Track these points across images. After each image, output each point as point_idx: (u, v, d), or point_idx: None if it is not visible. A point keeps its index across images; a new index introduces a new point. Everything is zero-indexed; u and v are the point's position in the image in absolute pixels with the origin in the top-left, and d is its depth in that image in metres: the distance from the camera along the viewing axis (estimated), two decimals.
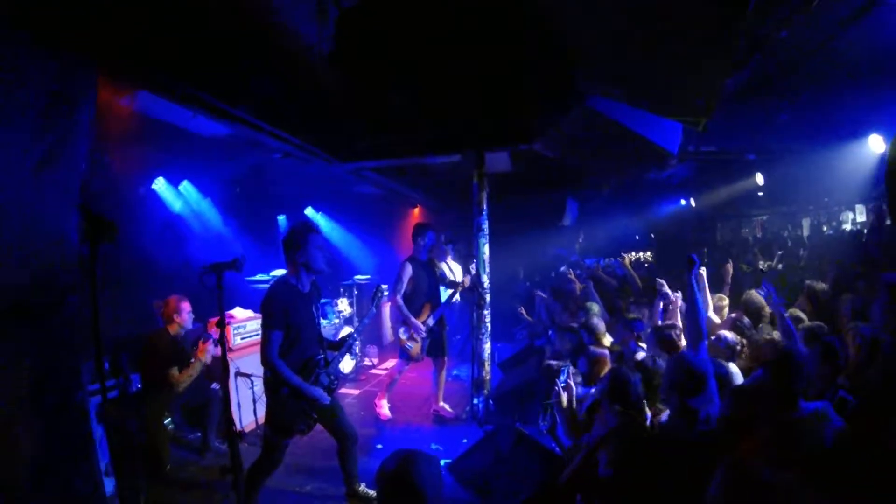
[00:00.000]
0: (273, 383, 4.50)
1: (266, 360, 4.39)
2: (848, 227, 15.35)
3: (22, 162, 2.31)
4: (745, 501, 2.13)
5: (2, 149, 2.26)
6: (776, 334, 5.02)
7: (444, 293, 7.76)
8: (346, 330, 9.54)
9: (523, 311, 10.89)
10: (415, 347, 7.38)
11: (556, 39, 4.96)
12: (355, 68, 5.31)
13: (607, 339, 6.30)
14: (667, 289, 6.05)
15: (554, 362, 6.14)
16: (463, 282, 7.50)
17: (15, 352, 1.94)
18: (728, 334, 4.92)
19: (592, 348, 5.84)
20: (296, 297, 4.54)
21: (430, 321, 7.41)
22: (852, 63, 6.17)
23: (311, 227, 4.66)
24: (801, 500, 2.18)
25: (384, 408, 7.71)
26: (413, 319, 7.28)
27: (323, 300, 7.99)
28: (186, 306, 6.21)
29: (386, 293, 6.84)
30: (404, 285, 7.24)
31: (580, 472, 3.87)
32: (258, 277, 8.47)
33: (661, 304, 6.03)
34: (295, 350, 4.54)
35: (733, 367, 4.57)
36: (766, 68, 6.18)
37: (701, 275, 5.10)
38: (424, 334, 7.35)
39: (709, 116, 4.79)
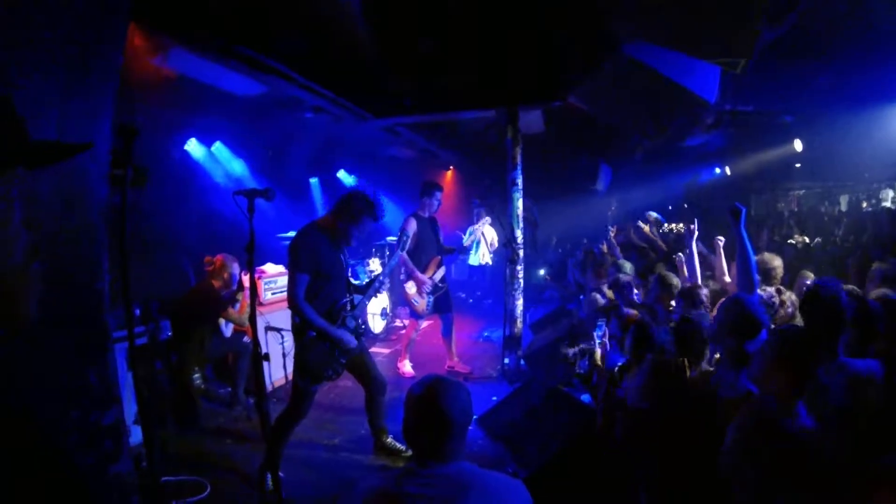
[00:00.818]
0: (300, 327, 4.55)
1: (292, 302, 4.44)
2: (888, 204, 14.92)
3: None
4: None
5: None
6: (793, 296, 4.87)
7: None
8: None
9: (548, 277, 10.85)
10: (421, 303, 7.42)
11: None
12: (388, 15, 5.24)
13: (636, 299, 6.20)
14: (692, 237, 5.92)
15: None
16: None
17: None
18: (764, 292, 4.79)
19: (625, 308, 5.78)
20: (323, 242, 4.57)
21: (437, 276, 7.45)
22: (885, 25, 5.95)
23: (374, 209, 4.65)
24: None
25: (407, 366, 7.77)
26: (418, 274, 7.32)
27: (352, 261, 8.05)
28: (235, 267, 6.31)
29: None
30: (409, 240, 7.18)
31: (609, 406, 3.86)
32: (290, 234, 8.50)
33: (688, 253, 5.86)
34: (322, 294, 4.56)
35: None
36: (806, 24, 5.98)
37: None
38: (430, 289, 7.35)
39: (748, 55, 4.65)
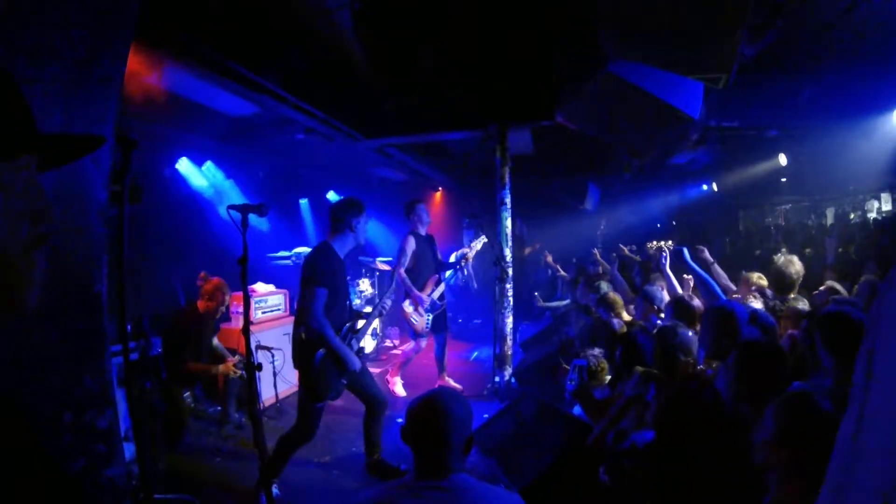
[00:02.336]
0: (308, 344, 4.53)
1: (312, 317, 4.43)
2: (873, 215, 15.09)
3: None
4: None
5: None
6: (801, 304, 4.93)
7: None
8: (368, 309, 9.60)
9: (539, 298, 10.88)
10: (420, 321, 7.40)
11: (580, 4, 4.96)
12: (379, 35, 5.32)
13: (626, 315, 6.23)
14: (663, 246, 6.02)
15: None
16: (466, 254, 7.54)
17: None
18: (757, 304, 4.87)
19: (616, 320, 5.82)
20: (336, 260, 4.67)
21: (436, 295, 7.42)
22: (875, 32, 6.08)
23: (361, 206, 4.79)
24: None
25: (397, 385, 7.72)
26: (417, 292, 7.29)
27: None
28: (224, 296, 6.32)
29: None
30: (408, 258, 7.24)
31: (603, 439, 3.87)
32: (281, 254, 8.53)
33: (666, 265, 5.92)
34: (332, 312, 4.58)
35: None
36: (787, 40, 6.10)
37: (701, 258, 5.21)
38: (430, 308, 7.35)
39: (728, 71, 4.76)
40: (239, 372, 6.24)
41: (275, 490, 4.62)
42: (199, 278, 6.34)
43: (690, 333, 3.98)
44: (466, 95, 6.94)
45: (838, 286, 5.53)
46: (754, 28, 4.97)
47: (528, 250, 9.08)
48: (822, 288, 5.52)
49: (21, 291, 0.84)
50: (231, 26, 4.90)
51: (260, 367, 3.84)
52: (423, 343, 7.73)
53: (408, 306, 7.39)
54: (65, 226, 2.23)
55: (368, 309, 8.12)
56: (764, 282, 6.18)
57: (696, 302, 5.00)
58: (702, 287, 4.53)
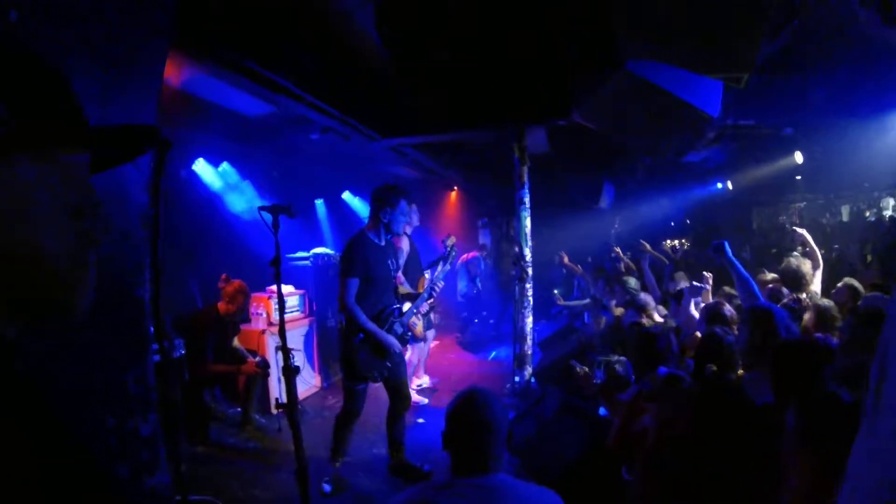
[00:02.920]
0: (347, 330, 4.78)
1: (344, 305, 4.67)
2: (889, 212, 14.96)
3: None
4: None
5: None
6: (825, 301, 4.88)
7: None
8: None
9: (558, 297, 10.84)
10: (418, 325, 7.33)
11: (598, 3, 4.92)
12: (399, 33, 5.30)
13: (657, 316, 6.16)
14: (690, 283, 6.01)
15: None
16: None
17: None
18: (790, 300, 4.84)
19: (646, 320, 5.77)
20: (373, 248, 4.82)
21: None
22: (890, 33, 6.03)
23: (402, 190, 4.95)
24: None
25: (414, 394, 7.42)
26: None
27: None
28: (245, 299, 6.37)
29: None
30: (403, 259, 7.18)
31: (624, 432, 3.85)
32: (298, 255, 8.51)
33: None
34: (370, 298, 4.81)
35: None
36: (801, 38, 6.06)
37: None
38: (425, 310, 7.36)
39: (750, 70, 4.72)
40: (264, 371, 6.27)
41: (325, 486, 4.91)
42: (220, 280, 6.35)
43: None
44: (484, 95, 6.90)
45: (857, 284, 5.50)
46: (772, 27, 4.93)
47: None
48: (839, 285, 5.48)
49: (72, 295, 0.81)
50: (249, 26, 4.89)
51: (298, 369, 3.84)
52: (424, 345, 7.80)
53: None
54: (109, 230, 2.23)
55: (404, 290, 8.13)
56: (768, 278, 6.17)
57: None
58: (741, 285, 4.46)
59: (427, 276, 7.23)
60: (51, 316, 0.81)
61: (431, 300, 6.49)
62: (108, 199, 2.29)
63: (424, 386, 7.74)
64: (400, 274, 6.74)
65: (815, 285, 5.69)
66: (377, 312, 4.84)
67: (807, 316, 4.62)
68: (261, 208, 3.61)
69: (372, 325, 4.71)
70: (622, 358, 5.05)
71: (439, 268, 5.66)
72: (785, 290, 5.49)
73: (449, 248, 5.96)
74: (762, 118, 8.23)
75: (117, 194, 2.40)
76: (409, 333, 5.15)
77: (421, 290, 7.05)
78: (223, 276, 6.37)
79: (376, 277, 4.80)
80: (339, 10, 5.23)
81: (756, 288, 4.44)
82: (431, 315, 7.47)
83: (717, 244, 4.51)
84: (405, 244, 7.12)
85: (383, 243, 4.93)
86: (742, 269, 4.39)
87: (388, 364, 4.90)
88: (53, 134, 0.78)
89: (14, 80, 0.74)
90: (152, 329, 2.75)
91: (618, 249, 9.71)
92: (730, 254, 4.45)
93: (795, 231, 6.70)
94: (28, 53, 0.78)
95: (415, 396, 7.35)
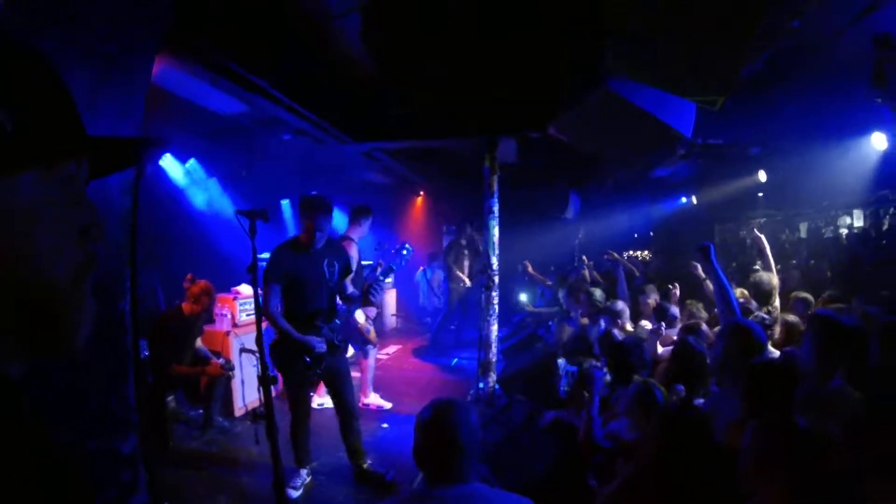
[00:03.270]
0: (276, 338, 4.81)
1: (264, 310, 4.54)
2: (845, 231, 15.38)
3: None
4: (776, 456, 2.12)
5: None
6: (791, 317, 5.02)
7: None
8: None
9: (527, 304, 10.93)
10: (371, 331, 7.39)
11: (585, 22, 4.98)
12: (384, 40, 5.30)
13: (629, 326, 6.25)
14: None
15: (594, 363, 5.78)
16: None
17: None
18: (762, 313, 4.94)
19: (616, 330, 5.83)
20: (299, 254, 4.80)
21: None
22: (861, 58, 6.22)
23: (320, 204, 4.91)
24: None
25: (377, 399, 7.58)
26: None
27: None
28: (210, 300, 6.29)
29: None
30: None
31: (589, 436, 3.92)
32: (264, 256, 8.42)
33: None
34: (298, 303, 4.79)
35: (770, 347, 4.56)
36: (775, 60, 6.22)
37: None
38: (373, 314, 7.47)
39: (726, 94, 4.82)
40: (228, 373, 6.19)
41: (291, 493, 4.80)
42: (185, 280, 6.26)
43: None
44: (459, 104, 6.92)
45: (809, 296, 5.67)
46: (752, 52, 5.05)
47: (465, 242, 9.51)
48: (793, 298, 5.64)
49: (70, 329, 0.74)
50: (231, 27, 4.84)
51: (275, 379, 3.86)
52: (375, 351, 7.73)
53: (360, 316, 7.27)
54: (108, 247, 2.15)
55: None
56: (746, 295, 6.29)
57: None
58: (720, 294, 4.32)
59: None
60: (55, 351, 0.75)
61: (372, 307, 6.50)
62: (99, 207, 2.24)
63: (372, 405, 7.45)
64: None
65: (776, 299, 5.86)
66: (303, 314, 4.79)
67: (776, 330, 4.73)
68: (238, 212, 3.61)
69: (286, 325, 4.69)
70: (592, 362, 5.11)
71: (378, 273, 5.35)
72: (754, 304, 5.61)
73: (402, 257, 5.57)
74: (730, 137, 8.41)
75: (103, 200, 2.32)
76: (340, 338, 5.00)
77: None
78: (188, 276, 6.28)
79: (303, 281, 4.76)
80: (323, 16, 5.21)
81: (734, 298, 4.44)
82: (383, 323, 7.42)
83: (704, 246, 4.44)
84: (354, 251, 6.83)
85: (319, 246, 4.88)
86: (723, 277, 4.32)
87: (319, 371, 4.86)
88: (55, 144, 0.72)
89: (12, 80, 0.67)
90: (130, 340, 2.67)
91: (586, 259, 9.84)
92: (714, 258, 4.40)
93: (755, 234, 6.87)
94: (27, 47, 0.72)
95: (377, 401, 7.47)
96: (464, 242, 9.97)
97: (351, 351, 9.12)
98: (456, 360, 10.01)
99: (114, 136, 0.88)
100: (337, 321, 4.98)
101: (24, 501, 0.66)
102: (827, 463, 2.08)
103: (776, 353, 4.49)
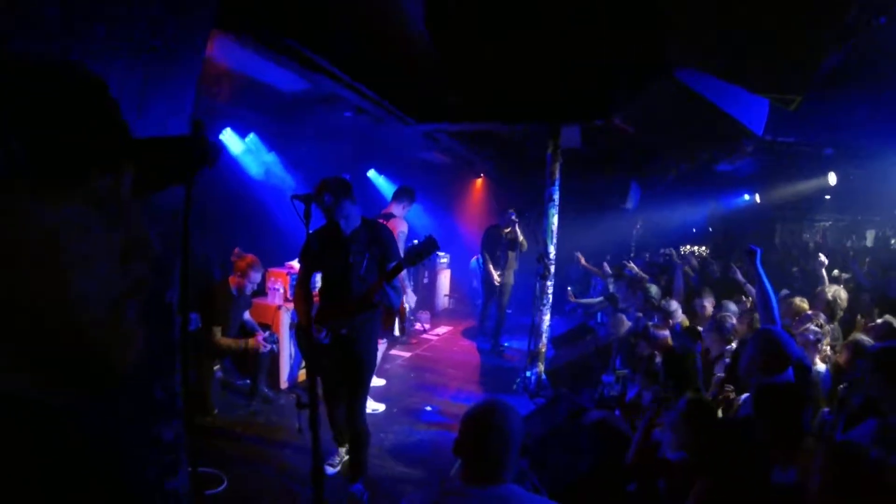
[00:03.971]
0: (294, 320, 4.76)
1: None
2: None
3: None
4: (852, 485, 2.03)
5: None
6: (863, 337, 4.76)
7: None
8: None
9: (570, 294, 10.80)
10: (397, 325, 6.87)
11: (650, 9, 4.79)
12: (449, 23, 5.21)
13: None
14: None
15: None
16: None
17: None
18: (812, 326, 4.71)
19: (653, 330, 5.69)
20: (328, 238, 4.44)
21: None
22: None
23: (339, 188, 4.39)
24: None
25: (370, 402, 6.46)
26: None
27: None
28: (255, 276, 6.32)
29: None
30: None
31: (643, 453, 3.82)
32: None
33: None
34: (324, 289, 4.63)
35: (818, 362, 4.38)
36: (851, 58, 5.93)
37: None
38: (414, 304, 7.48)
39: (803, 93, 4.59)
40: (269, 346, 6.25)
41: (328, 470, 4.75)
42: (233, 254, 6.35)
43: None
44: (524, 89, 6.80)
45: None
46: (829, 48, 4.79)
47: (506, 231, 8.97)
48: (879, 321, 5.30)
49: (112, 361, 0.69)
50: (292, 6, 4.82)
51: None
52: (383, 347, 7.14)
53: (405, 303, 6.74)
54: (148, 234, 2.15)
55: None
56: (805, 306, 6.01)
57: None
58: (761, 298, 4.24)
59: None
60: (98, 382, 0.70)
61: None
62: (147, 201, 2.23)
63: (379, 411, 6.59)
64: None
65: (839, 314, 5.63)
66: (328, 302, 4.52)
67: (840, 352, 4.50)
68: (294, 196, 3.55)
69: (294, 312, 4.65)
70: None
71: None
72: (823, 317, 5.33)
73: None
74: (802, 136, 8.06)
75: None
76: (350, 332, 4.43)
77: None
78: (235, 250, 6.36)
79: (325, 267, 4.55)
80: None
81: (776, 305, 4.28)
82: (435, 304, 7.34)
83: (751, 249, 4.33)
84: (403, 226, 6.77)
85: (347, 233, 4.44)
86: (767, 282, 4.20)
87: (321, 358, 4.49)
88: (82, 166, 0.64)
89: (25, 104, 0.60)
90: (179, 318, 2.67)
91: (631, 264, 9.71)
92: (759, 263, 4.27)
93: (819, 260, 6.67)
94: (44, 63, 0.64)
95: (371, 404, 6.43)
96: (507, 230, 9.37)
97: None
98: (507, 344, 9.94)
99: (158, 137, 0.80)
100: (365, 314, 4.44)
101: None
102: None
103: (822, 367, 4.32)
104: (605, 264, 10.73)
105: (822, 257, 7.05)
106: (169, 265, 2.51)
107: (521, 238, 9.24)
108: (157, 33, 2.24)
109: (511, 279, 9.83)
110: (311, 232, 4.19)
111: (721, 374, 4.77)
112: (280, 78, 6.51)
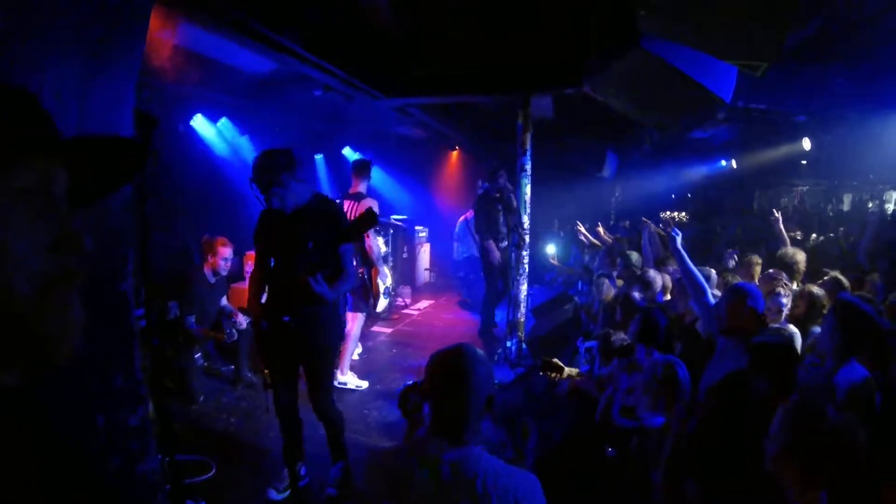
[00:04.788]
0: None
1: None
2: (891, 206, 14.96)
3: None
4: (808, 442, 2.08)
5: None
6: (817, 289, 4.85)
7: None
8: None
9: (554, 259, 10.81)
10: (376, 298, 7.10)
11: None
12: None
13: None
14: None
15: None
16: None
17: None
18: (781, 290, 4.75)
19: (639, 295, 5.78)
20: (274, 218, 4.09)
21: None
22: None
23: (281, 160, 4.00)
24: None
25: (353, 378, 6.72)
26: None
27: None
28: (226, 251, 6.31)
29: None
30: None
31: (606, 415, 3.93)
32: None
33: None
34: (274, 272, 4.22)
35: (792, 328, 4.45)
36: (826, 28, 5.97)
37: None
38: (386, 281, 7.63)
39: (770, 60, 4.61)
40: (234, 336, 6.20)
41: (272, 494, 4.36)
42: (203, 240, 6.35)
43: None
44: (493, 60, 6.78)
45: (843, 278, 5.46)
46: (800, 17, 4.82)
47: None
48: (825, 279, 5.43)
49: (51, 343, 0.72)
50: None
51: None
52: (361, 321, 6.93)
53: (379, 280, 6.96)
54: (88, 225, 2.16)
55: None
56: (758, 260, 6.17)
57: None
58: (689, 279, 4.34)
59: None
60: (41, 363, 0.73)
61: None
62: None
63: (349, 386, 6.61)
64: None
65: (800, 275, 5.73)
66: (275, 286, 4.19)
67: (797, 303, 4.62)
68: (252, 179, 3.48)
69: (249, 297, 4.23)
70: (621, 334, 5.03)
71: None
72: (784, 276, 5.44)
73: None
74: (774, 103, 8.13)
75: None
76: (297, 319, 4.02)
77: None
78: (204, 237, 6.35)
79: (274, 248, 4.17)
80: None
81: (702, 280, 4.36)
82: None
83: (672, 234, 4.42)
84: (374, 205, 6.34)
85: (289, 212, 4.03)
86: (689, 263, 4.31)
87: (270, 349, 4.19)
88: (6, 158, 0.68)
89: None
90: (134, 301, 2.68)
91: (600, 228, 9.80)
92: (680, 246, 4.36)
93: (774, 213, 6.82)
94: None
95: (354, 381, 6.68)
96: (498, 195, 8.30)
97: (382, 305, 8.97)
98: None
99: (90, 136, 0.82)
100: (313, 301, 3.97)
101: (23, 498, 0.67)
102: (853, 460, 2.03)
103: (791, 327, 4.41)
104: (604, 231, 10.48)
105: (777, 213, 7.13)
106: (120, 254, 2.51)
107: (514, 202, 8.22)
108: (95, 23, 2.21)
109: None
110: (262, 212, 4.13)
111: None
112: (247, 59, 6.46)
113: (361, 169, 6.82)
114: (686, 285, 4.60)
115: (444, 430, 2.06)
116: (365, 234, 6.37)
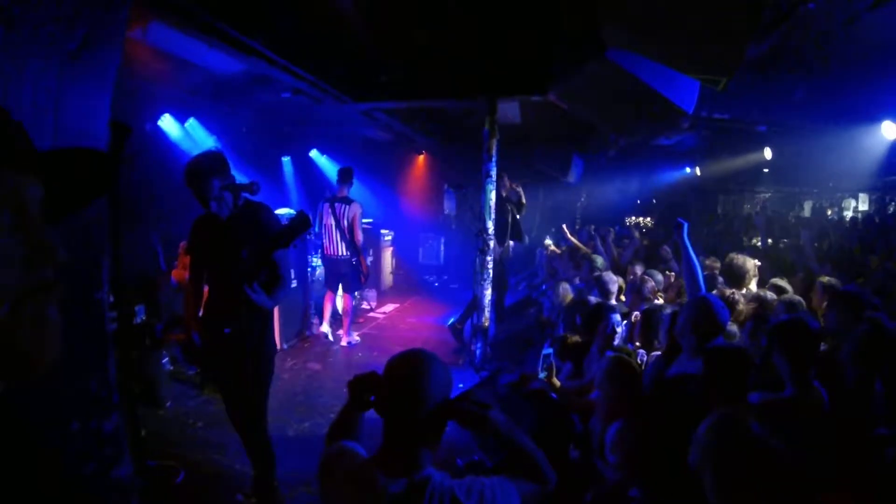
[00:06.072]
0: None
1: None
2: (849, 214, 15.42)
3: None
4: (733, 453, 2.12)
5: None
6: (767, 293, 5.01)
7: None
8: None
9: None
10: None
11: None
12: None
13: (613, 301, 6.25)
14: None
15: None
16: None
17: None
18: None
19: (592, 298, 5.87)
20: (209, 225, 3.91)
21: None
22: (873, 46, 6.15)
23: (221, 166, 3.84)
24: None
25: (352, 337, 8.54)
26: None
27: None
28: None
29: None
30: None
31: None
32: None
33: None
34: (210, 282, 4.05)
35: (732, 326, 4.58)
36: (788, 41, 6.14)
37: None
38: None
39: (730, 76, 4.76)
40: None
41: None
42: (179, 248, 6.31)
43: None
44: (459, 66, 6.85)
45: (784, 283, 5.63)
46: (759, 33, 4.97)
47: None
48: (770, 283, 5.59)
49: (28, 355, 0.73)
50: None
51: None
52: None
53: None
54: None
55: None
56: (716, 265, 6.33)
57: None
58: (686, 268, 4.40)
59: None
60: (20, 374, 0.74)
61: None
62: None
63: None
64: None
65: (751, 283, 5.87)
66: (211, 296, 4.04)
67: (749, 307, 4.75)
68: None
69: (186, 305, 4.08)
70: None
71: None
72: (720, 280, 5.61)
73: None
74: (737, 113, 8.35)
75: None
76: (239, 333, 3.75)
77: None
78: (182, 244, 6.31)
79: (211, 256, 3.93)
80: None
81: (700, 274, 4.48)
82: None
83: (679, 222, 4.50)
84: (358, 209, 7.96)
85: (224, 217, 3.85)
86: (692, 254, 4.37)
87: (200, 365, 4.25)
88: None
89: None
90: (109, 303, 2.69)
91: (565, 229, 9.91)
92: (685, 235, 4.41)
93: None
94: None
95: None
96: (504, 195, 8.52)
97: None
98: (452, 319, 10.04)
99: (59, 149, 0.84)
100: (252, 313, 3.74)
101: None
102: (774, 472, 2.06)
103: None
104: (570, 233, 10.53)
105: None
106: (95, 267, 2.52)
107: (523, 199, 8.79)
108: (70, 34, 2.22)
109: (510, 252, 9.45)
110: (195, 220, 3.91)
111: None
112: (215, 60, 6.43)
113: (347, 175, 7.99)
114: (684, 278, 4.67)
115: (396, 447, 1.94)
116: (355, 228, 7.77)
